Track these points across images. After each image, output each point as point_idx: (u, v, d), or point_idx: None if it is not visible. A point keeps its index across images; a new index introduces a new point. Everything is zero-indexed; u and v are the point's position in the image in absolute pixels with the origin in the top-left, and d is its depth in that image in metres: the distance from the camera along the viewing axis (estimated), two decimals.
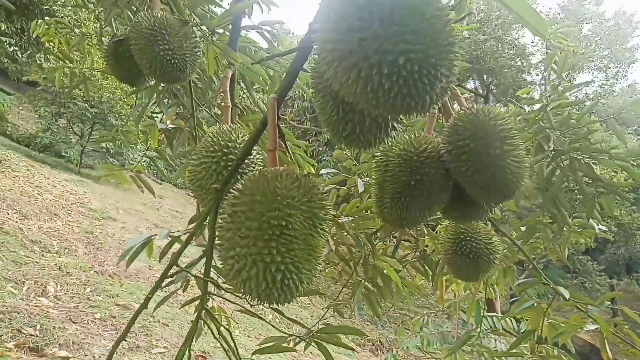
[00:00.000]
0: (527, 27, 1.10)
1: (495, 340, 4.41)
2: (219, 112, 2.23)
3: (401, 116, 0.92)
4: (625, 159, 1.99)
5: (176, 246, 1.58)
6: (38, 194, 9.14)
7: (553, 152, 2.14)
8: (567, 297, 1.77)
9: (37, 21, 3.30)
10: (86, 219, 9.28)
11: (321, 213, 0.86)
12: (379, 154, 1.29)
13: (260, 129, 0.96)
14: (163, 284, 1.76)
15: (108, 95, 14.35)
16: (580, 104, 2.16)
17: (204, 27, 1.75)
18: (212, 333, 1.34)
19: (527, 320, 2.43)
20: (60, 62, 2.59)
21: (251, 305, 1.12)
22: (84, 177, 13.70)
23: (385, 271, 2.59)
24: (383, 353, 10.98)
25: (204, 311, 1.34)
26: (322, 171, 2.52)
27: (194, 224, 1.20)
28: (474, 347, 3.10)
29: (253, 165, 1.21)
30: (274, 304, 0.86)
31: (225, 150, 1.19)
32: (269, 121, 0.91)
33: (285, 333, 1.65)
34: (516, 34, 16.91)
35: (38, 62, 11.77)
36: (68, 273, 5.91)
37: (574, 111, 2.18)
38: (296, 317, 10.18)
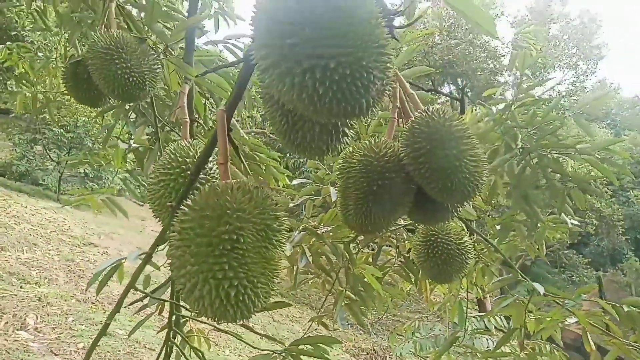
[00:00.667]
0: (477, 28, 1.11)
1: (488, 340, 4.41)
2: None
3: (348, 121, 0.91)
4: (591, 152, 2.02)
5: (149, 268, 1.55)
6: (15, 223, 8.92)
7: (521, 150, 2.17)
8: (542, 292, 1.77)
9: None
10: (66, 247, 9.07)
11: (275, 224, 0.85)
12: (341, 161, 1.28)
13: (213, 143, 0.94)
14: (140, 308, 1.72)
15: (84, 119, 14.17)
16: (545, 101, 2.18)
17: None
18: (184, 356, 1.30)
19: None
20: (22, 86, 2.54)
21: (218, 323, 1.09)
22: (77, 202, 13.39)
23: (365, 279, 2.58)
24: None
25: (173, 334, 1.31)
26: (294, 182, 2.50)
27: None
28: (461, 348, 3.09)
29: (213, 179, 1.19)
30: (232, 321, 0.84)
31: (184, 167, 1.17)
32: (219, 134, 0.89)
33: (264, 349, 1.62)
34: (486, 36, 17.27)
35: (9, 89, 11.58)
36: (49, 303, 5.75)
37: (539, 109, 2.21)
38: (288, 331, 10.06)
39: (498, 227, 2.46)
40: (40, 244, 8.40)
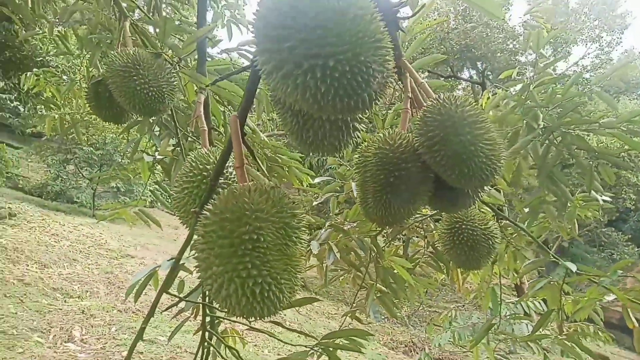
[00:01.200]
0: (481, 12, 1.11)
1: (527, 325, 4.33)
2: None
3: (357, 116, 0.93)
4: (615, 125, 1.96)
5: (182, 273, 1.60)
6: (55, 241, 9.28)
7: (544, 130, 2.13)
8: (574, 270, 1.74)
9: (26, 74, 3.40)
10: (105, 260, 9.38)
11: (293, 222, 0.87)
12: (357, 155, 1.30)
13: (229, 148, 0.98)
14: (176, 313, 1.77)
15: (111, 136, 14.61)
16: (564, 78, 2.14)
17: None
18: (220, 356, 1.35)
19: None
20: (50, 109, 2.65)
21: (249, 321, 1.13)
22: (111, 216, 13.82)
23: (395, 271, 2.59)
24: (417, 353, 10.83)
25: (208, 335, 1.35)
26: (317, 180, 2.52)
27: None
28: (499, 335, 3.06)
29: (233, 183, 1.23)
30: (259, 318, 0.87)
31: (205, 174, 1.21)
32: (233, 139, 0.92)
33: (299, 345, 1.65)
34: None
35: (39, 113, 12.05)
36: (92, 315, 5.97)
37: (558, 87, 2.17)
38: (324, 328, 10.11)
39: (526, 209, 2.42)
40: (79, 259, 8.71)
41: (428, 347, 10.47)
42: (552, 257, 1.94)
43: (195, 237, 0.88)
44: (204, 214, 0.87)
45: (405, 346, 11.10)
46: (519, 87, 2.04)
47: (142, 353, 4.98)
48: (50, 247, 8.60)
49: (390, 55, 0.66)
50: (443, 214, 1.77)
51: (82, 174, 15.71)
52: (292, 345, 1.32)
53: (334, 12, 0.61)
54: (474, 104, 1.13)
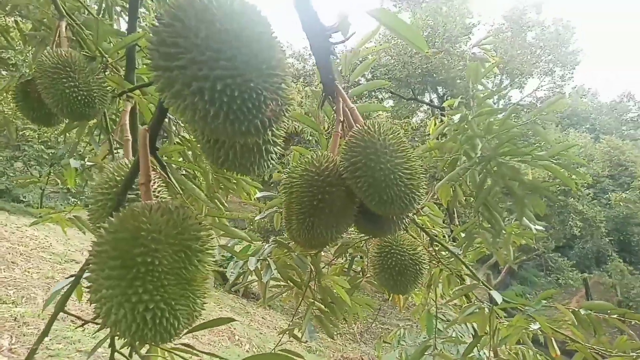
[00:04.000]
0: (407, 44, 1.13)
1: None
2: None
3: (270, 138, 0.91)
4: (547, 158, 2.05)
5: None
6: None
7: (480, 159, 2.19)
8: (500, 301, 1.78)
9: None
10: (47, 264, 8.91)
11: (196, 245, 0.84)
12: (285, 176, 1.28)
13: (138, 162, 0.93)
14: (82, 324, 1.67)
15: (67, 135, 14.02)
16: (502, 111, 2.22)
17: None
18: None
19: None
20: None
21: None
22: (45, 220, 13.18)
23: (335, 290, 2.57)
24: None
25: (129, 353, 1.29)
26: (258, 195, 2.49)
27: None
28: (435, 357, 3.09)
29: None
30: (154, 344, 0.83)
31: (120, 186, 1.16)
32: (140, 153, 0.89)
33: None
34: (464, 45, 17.56)
35: None
36: (25, 323, 5.63)
37: (497, 119, 2.24)
38: (274, 343, 9.95)
39: (463, 234, 2.47)
40: (19, 262, 8.23)
41: None
42: (481, 284, 1.98)
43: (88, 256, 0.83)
44: (98, 231, 0.83)
45: None
46: (457, 117, 2.09)
47: None
48: None
49: (287, 82, 0.65)
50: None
51: (31, 173, 14.96)
52: None
53: (227, 34, 0.59)
54: (397, 132, 1.15)
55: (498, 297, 1.79)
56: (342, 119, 1.31)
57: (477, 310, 2.05)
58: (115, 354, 1.38)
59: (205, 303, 0.88)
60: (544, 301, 1.92)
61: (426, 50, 1.11)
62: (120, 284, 0.76)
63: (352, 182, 1.13)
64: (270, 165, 0.97)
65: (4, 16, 3.08)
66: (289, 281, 2.71)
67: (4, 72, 3.17)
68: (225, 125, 0.61)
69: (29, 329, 5.52)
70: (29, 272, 7.99)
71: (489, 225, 2.40)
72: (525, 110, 18.72)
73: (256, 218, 2.60)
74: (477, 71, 2.02)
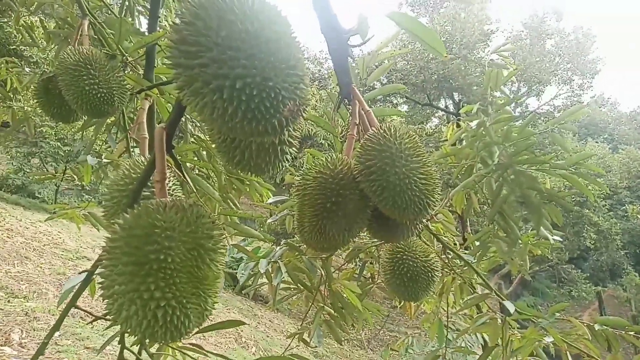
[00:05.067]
0: (425, 47, 1.12)
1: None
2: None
3: (286, 139, 0.91)
4: (565, 167, 2.02)
5: None
6: (8, 237, 8.88)
7: (497, 166, 2.16)
8: (512, 311, 1.75)
9: None
10: (59, 260, 9.03)
11: (209, 243, 0.84)
12: (299, 178, 1.28)
13: (154, 160, 0.94)
14: (91, 320, 1.68)
15: (84, 132, 14.21)
16: (519, 118, 2.19)
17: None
18: None
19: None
20: (3, 100, 2.55)
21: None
22: (59, 216, 13.37)
23: (345, 295, 2.56)
24: None
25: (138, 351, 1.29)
26: (271, 200, 2.49)
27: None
28: None
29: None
30: (164, 342, 0.82)
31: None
32: (156, 151, 0.89)
33: None
34: (482, 52, 17.44)
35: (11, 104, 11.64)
36: (35, 318, 5.70)
37: (515, 126, 2.22)
38: (281, 347, 9.94)
39: (477, 243, 2.44)
40: (32, 257, 8.35)
41: None
42: (493, 294, 1.95)
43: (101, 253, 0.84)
44: (113, 227, 0.83)
45: None
46: (474, 123, 2.07)
47: None
48: (1, 242, 8.23)
49: (305, 82, 0.65)
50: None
51: (47, 169, 15.19)
52: None
53: (247, 33, 0.59)
54: (413, 136, 1.14)
55: (511, 307, 1.76)
56: (357, 122, 1.30)
57: (489, 320, 2.01)
58: (125, 351, 1.39)
59: (216, 302, 0.88)
60: (557, 314, 1.88)
61: (444, 54, 1.10)
62: (133, 280, 0.76)
63: (366, 185, 1.12)
64: (285, 166, 0.97)
65: (28, 15, 3.14)
66: (299, 284, 2.71)
67: (26, 69, 3.23)
68: (243, 124, 0.61)
69: (39, 324, 5.59)
70: (41, 267, 8.10)
71: (505, 235, 2.36)
72: (542, 118, 18.48)
73: (268, 220, 2.60)
74: (496, 78, 2.00)
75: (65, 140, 14.68)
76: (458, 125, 2.86)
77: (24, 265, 7.72)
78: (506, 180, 2.22)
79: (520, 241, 2.42)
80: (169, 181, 1.16)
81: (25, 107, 2.74)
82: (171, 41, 0.64)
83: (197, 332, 1.01)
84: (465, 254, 2.48)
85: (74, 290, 1.59)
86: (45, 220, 3.28)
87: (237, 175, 2.60)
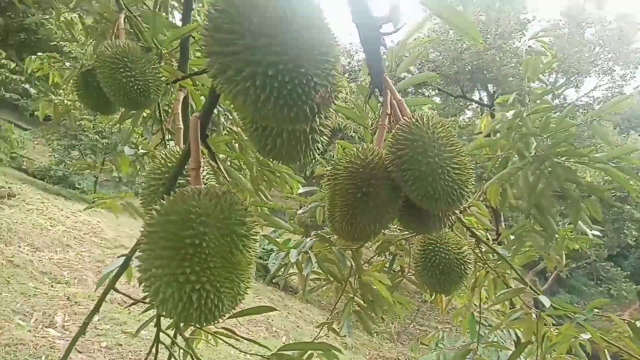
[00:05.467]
0: (461, 35, 1.10)
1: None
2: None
3: (317, 127, 0.91)
4: (604, 160, 1.94)
5: None
6: (51, 225, 9.28)
7: (534, 158, 2.10)
8: (548, 305, 1.70)
9: (30, 57, 3.41)
10: (98, 249, 9.37)
11: (242, 230, 0.85)
12: (329, 168, 1.28)
13: (189, 148, 0.96)
14: (130, 304, 1.75)
15: (119, 125, 14.66)
16: (558, 109, 2.12)
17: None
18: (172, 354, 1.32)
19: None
20: (45, 94, 2.66)
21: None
22: (99, 207, 13.83)
23: (375, 287, 2.55)
24: None
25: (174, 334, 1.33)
26: (301, 190, 2.50)
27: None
28: None
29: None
30: (198, 325, 0.85)
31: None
32: (191, 140, 0.91)
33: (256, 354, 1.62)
34: (518, 42, 16.89)
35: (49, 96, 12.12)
36: (77, 303, 5.96)
37: (554, 117, 2.14)
38: (310, 337, 10.04)
39: (512, 237, 2.38)
40: (73, 245, 8.71)
41: None
42: (529, 289, 1.90)
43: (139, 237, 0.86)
44: (150, 213, 0.86)
45: None
46: (510, 113, 2.01)
47: (121, 345, 4.96)
48: (45, 230, 8.61)
49: (337, 69, 0.65)
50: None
51: (86, 161, 15.75)
52: (246, 353, 1.29)
53: (279, 21, 0.60)
54: (447, 126, 1.12)
55: (546, 301, 1.71)
56: (389, 112, 1.29)
57: (524, 315, 1.97)
58: (161, 335, 1.43)
59: (248, 288, 0.90)
60: (596, 310, 1.82)
61: (480, 41, 1.07)
62: (170, 264, 0.79)
63: (398, 175, 1.11)
64: (316, 155, 0.97)
65: (68, 11, 3.25)
66: (329, 275, 2.72)
67: (66, 64, 3.35)
68: (275, 111, 0.61)
69: (80, 308, 5.84)
70: (81, 255, 8.43)
71: (541, 229, 2.30)
72: (581, 110, 17.78)
73: (298, 212, 2.62)
74: (534, 66, 1.93)
75: (104, 133, 15.16)
76: (492, 117, 2.79)
77: (65, 253, 8.07)
78: (543, 173, 2.16)
79: (557, 236, 2.35)
80: (203, 170, 1.19)
81: (66, 101, 2.84)
82: (205, 29, 0.65)
83: (229, 317, 1.03)
84: (500, 248, 2.43)
85: (112, 275, 1.65)
86: (84, 210, 3.41)
87: (268, 167, 2.63)
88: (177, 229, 0.80)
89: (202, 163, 0.94)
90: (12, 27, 11.11)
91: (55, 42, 11.36)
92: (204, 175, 1.22)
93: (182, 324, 1.40)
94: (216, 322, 0.86)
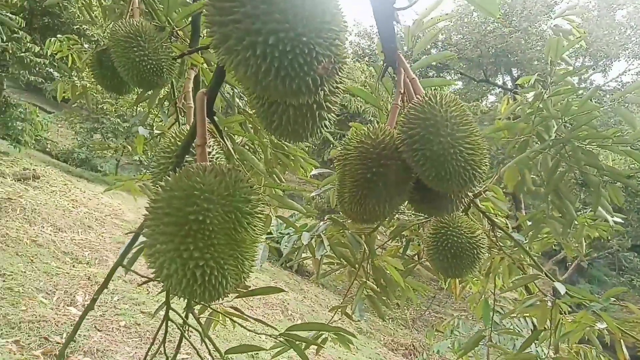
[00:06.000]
0: (478, 9, 1.05)
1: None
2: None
3: (324, 103, 0.89)
4: (629, 142, 1.86)
5: None
6: (73, 207, 9.50)
7: (554, 141, 2.03)
8: (563, 292, 1.67)
9: (50, 39, 3.45)
10: (118, 230, 9.57)
11: (246, 207, 0.84)
12: (340, 148, 1.26)
13: (195, 127, 0.95)
14: (143, 282, 1.76)
15: (140, 109, 14.85)
16: (581, 90, 2.04)
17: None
18: (183, 335, 1.34)
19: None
20: (63, 75, 2.68)
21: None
22: (119, 189, 14.13)
23: (388, 271, 2.54)
24: (416, 357, 10.78)
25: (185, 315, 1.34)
26: (314, 172, 2.49)
27: None
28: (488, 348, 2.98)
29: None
30: (202, 301, 0.85)
31: None
32: (197, 116, 0.90)
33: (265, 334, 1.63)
34: (544, 24, 16.35)
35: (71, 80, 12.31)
36: (97, 283, 6.10)
37: (575, 99, 2.07)
38: (325, 320, 10.13)
39: (529, 222, 2.33)
40: (94, 226, 8.91)
41: (427, 352, 10.39)
42: (545, 275, 1.86)
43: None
44: (156, 189, 0.85)
45: (406, 349, 11.05)
46: (531, 94, 1.94)
47: (139, 325, 5.07)
48: (67, 212, 8.81)
49: (341, 39, 0.62)
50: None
51: (108, 144, 16.03)
52: (255, 333, 1.30)
53: None
54: (461, 104, 1.08)
55: (562, 288, 1.67)
56: (402, 91, 1.25)
57: (538, 302, 1.93)
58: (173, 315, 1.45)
59: (253, 266, 0.89)
60: (613, 299, 1.77)
61: (497, 15, 1.03)
62: (173, 240, 0.79)
63: (409, 155, 1.08)
64: (323, 132, 0.95)
65: None
66: (342, 259, 2.71)
67: (85, 46, 3.37)
68: (277, 82, 0.59)
69: None
70: (102, 236, 8.62)
71: (559, 215, 2.24)
72: (608, 96, 17.22)
73: (312, 194, 2.61)
74: (557, 45, 1.86)
75: (125, 117, 15.37)
76: (514, 99, 2.71)
77: (87, 234, 8.26)
78: (563, 157, 2.10)
79: (576, 222, 2.29)
80: (212, 150, 1.18)
81: (86, 83, 2.87)
82: (208, 0, 0.63)
83: (238, 297, 1.03)
84: (516, 234, 2.38)
85: (130, 256, 1.67)
86: (104, 192, 3.47)
87: (282, 150, 2.62)
88: (181, 204, 0.80)
89: (212, 142, 0.93)
90: (37, 10, 11.27)
91: (77, 26, 11.49)
92: (214, 155, 1.21)
93: (191, 302, 1.42)
94: (221, 298, 0.86)
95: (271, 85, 0.60)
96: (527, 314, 2.45)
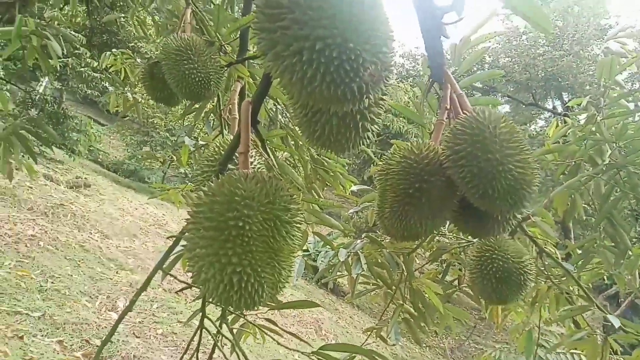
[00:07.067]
0: (530, 24, 1.03)
1: None
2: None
3: (367, 114, 0.87)
4: None
5: None
6: (120, 215, 9.88)
7: (607, 166, 1.93)
8: (617, 326, 1.55)
9: (105, 54, 3.66)
10: (161, 239, 9.84)
11: (285, 216, 0.84)
12: (382, 162, 1.24)
13: (239, 136, 0.96)
14: (181, 289, 1.78)
15: (187, 124, 15.40)
16: (638, 114, 1.93)
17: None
18: (216, 345, 1.33)
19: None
20: (116, 88, 2.82)
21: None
22: (164, 199, 14.57)
23: (426, 295, 2.46)
24: None
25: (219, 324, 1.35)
26: (353, 188, 2.46)
27: None
28: None
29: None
30: (238, 308, 0.84)
31: None
32: (242, 124, 0.91)
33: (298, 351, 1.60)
34: (597, 48, 15.77)
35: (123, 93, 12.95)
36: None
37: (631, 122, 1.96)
38: (359, 343, 9.92)
39: (579, 251, 2.21)
40: (139, 235, 9.20)
41: None
42: (596, 307, 1.74)
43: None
44: (198, 194, 0.87)
45: None
46: (583, 117, 1.86)
47: (175, 334, 5.15)
48: (114, 220, 9.16)
49: (388, 47, 0.61)
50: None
51: (156, 157, 16.64)
52: (288, 349, 1.28)
53: None
54: (510, 122, 1.04)
55: (616, 321, 1.56)
56: (448, 106, 1.23)
57: (587, 337, 1.81)
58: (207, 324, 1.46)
59: (290, 276, 0.88)
60: None
61: (551, 31, 0.99)
62: (213, 245, 0.79)
63: (455, 171, 1.05)
64: (366, 144, 0.93)
65: (142, 10, 3.43)
66: (378, 279, 2.66)
67: (138, 60, 3.54)
68: (322, 88, 0.59)
69: (142, 295, 6.14)
70: (146, 245, 8.89)
71: (612, 244, 2.11)
72: None
73: (350, 211, 2.59)
74: (611, 66, 1.78)
75: (173, 131, 15.97)
76: (564, 122, 2.60)
77: (131, 242, 8.54)
78: (618, 183, 1.99)
79: (630, 252, 2.15)
80: (254, 159, 1.19)
81: (137, 96, 3.02)
82: (256, 6, 0.64)
83: (273, 308, 1.02)
84: (566, 263, 2.25)
85: (167, 263, 1.70)
86: (148, 199, 3.58)
87: (322, 166, 2.62)
88: (222, 209, 0.80)
89: (254, 153, 0.93)
90: (97, 29, 12.02)
91: (133, 43, 12.14)
92: (255, 165, 1.22)
93: (225, 311, 1.42)
94: (256, 307, 0.85)
95: (316, 91, 0.60)
96: (575, 349, 2.29)
